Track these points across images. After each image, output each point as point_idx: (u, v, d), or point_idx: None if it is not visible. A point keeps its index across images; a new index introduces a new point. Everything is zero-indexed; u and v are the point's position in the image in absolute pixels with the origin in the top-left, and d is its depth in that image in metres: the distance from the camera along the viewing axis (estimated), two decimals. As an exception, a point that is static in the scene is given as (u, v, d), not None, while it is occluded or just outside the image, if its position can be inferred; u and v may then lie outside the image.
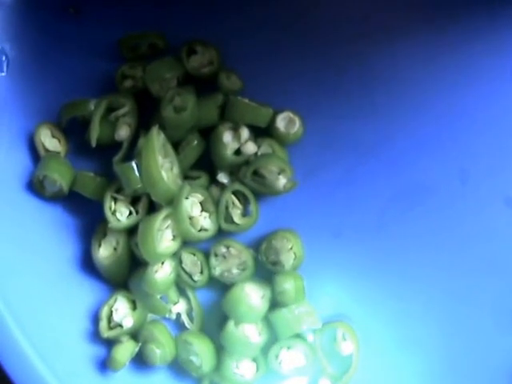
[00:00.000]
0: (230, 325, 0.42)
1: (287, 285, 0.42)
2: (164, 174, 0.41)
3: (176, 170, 0.42)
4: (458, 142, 0.44)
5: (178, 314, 0.44)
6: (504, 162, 0.44)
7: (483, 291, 0.42)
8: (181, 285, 0.44)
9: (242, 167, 0.43)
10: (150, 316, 0.43)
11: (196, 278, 0.43)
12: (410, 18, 0.44)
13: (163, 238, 0.42)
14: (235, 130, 0.43)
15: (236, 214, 0.43)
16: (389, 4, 0.44)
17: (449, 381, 0.42)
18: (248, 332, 0.42)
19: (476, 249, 0.43)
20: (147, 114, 0.44)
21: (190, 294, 0.43)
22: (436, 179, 0.44)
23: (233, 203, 0.43)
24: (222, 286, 0.43)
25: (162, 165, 0.41)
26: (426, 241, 0.43)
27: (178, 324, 0.44)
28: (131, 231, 0.43)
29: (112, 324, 0.43)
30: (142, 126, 0.44)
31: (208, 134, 0.43)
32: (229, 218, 0.43)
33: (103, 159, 0.44)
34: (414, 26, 0.44)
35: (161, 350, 0.42)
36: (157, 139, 0.41)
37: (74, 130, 0.45)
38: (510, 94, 0.44)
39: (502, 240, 0.43)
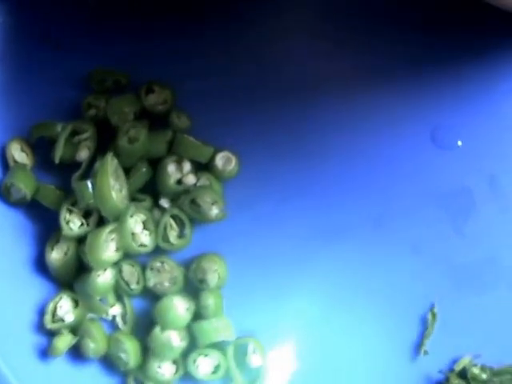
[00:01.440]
0: (157, 329, 0.48)
1: (209, 301, 0.49)
2: (114, 194, 0.48)
3: (125, 191, 0.49)
4: (376, 189, 0.51)
5: (114, 316, 0.50)
6: (414, 210, 0.50)
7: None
8: (119, 291, 0.50)
9: (181, 195, 0.50)
10: (90, 315, 0.50)
11: (132, 286, 0.50)
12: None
13: (108, 248, 0.48)
14: (179, 162, 0.49)
15: (172, 235, 0.50)
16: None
17: None
18: (171, 337, 0.48)
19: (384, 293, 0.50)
20: (105, 140, 0.50)
21: (126, 299, 0.50)
22: (352, 222, 0.50)
23: (170, 225, 0.50)
24: (154, 296, 0.50)
25: (113, 186, 0.48)
26: (337, 275, 0.50)
27: (113, 325, 0.50)
28: (81, 240, 0.49)
29: (55, 318, 0.49)
30: (100, 151, 0.50)
31: (156, 163, 0.50)
32: (166, 238, 0.50)
33: (64, 175, 0.51)
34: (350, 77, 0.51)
35: (94, 344, 0.49)
36: (110, 164, 0.48)
37: (41, 147, 0.51)
38: (428, 150, 0.51)
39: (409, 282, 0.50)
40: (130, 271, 0.49)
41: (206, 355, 0.49)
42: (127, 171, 0.49)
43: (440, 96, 0.52)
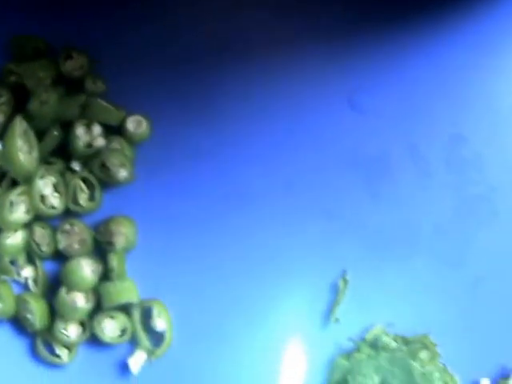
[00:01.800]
0: (62, 291, 0.49)
1: (114, 263, 0.49)
2: (21, 155, 0.48)
3: (35, 154, 0.49)
4: (290, 153, 0.50)
5: (26, 278, 0.50)
6: (328, 175, 0.50)
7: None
8: (31, 253, 0.50)
9: (92, 158, 0.50)
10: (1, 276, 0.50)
11: (43, 248, 0.50)
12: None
13: (17, 210, 0.49)
14: (89, 126, 0.50)
15: (82, 197, 0.50)
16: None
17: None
18: (76, 298, 0.48)
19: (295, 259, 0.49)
20: (23, 105, 0.51)
21: (37, 262, 0.50)
22: (264, 186, 0.50)
23: (81, 188, 0.50)
24: (66, 259, 0.50)
25: (21, 148, 0.48)
26: (247, 238, 0.49)
27: (25, 286, 0.51)
28: (-6, 202, 0.50)
29: (-33, 278, 0.50)
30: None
31: (69, 127, 0.50)
32: (76, 201, 0.50)
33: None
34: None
35: (2, 304, 0.49)
36: (19, 126, 0.48)
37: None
38: (346, 114, 0.50)
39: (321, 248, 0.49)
40: (41, 233, 0.50)
41: (112, 317, 0.49)
42: (41, 134, 0.50)
43: (359, 61, 0.51)
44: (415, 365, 0.46)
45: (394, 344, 0.48)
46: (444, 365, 0.48)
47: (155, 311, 0.49)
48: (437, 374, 0.46)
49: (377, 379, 0.46)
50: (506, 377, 0.49)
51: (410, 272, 0.49)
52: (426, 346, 0.47)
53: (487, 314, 0.49)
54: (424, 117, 0.50)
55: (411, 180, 0.50)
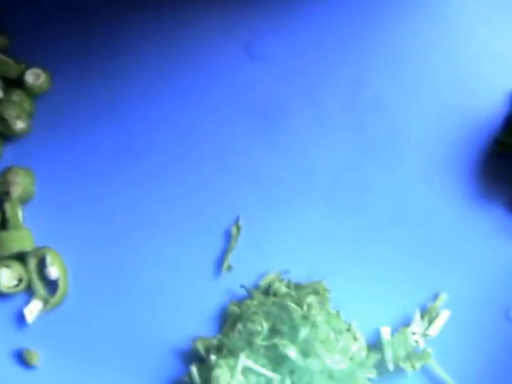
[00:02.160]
0: (-42, 241, 0.49)
1: (10, 211, 0.49)
2: None
3: None
4: (184, 101, 0.50)
5: None
6: (222, 122, 0.50)
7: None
8: None
9: (-9, 110, 0.50)
10: None
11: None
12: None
13: None
14: (-14, 78, 0.50)
15: (-18, 150, 0.50)
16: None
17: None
18: (-28, 248, 0.49)
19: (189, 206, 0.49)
20: None
21: None
22: (159, 137, 0.50)
23: (-20, 140, 0.50)
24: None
25: None
26: (144, 189, 0.49)
27: None
28: None
29: None
30: None
31: (-29, 81, 0.51)
32: (-24, 153, 0.50)
33: None
34: None
35: None
36: None
37: None
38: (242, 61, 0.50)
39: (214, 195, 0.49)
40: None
41: (7, 266, 0.49)
42: None
43: (256, 9, 0.50)
44: (295, 308, 0.44)
45: (284, 290, 0.46)
46: (337, 311, 0.46)
47: (48, 259, 0.48)
48: (320, 318, 0.44)
49: (266, 325, 0.45)
50: (406, 325, 0.47)
51: (307, 218, 0.48)
52: (316, 292, 0.46)
53: (387, 261, 0.48)
54: (322, 63, 0.50)
55: (308, 126, 0.49)
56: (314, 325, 0.44)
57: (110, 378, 0.47)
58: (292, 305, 0.44)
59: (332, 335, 0.45)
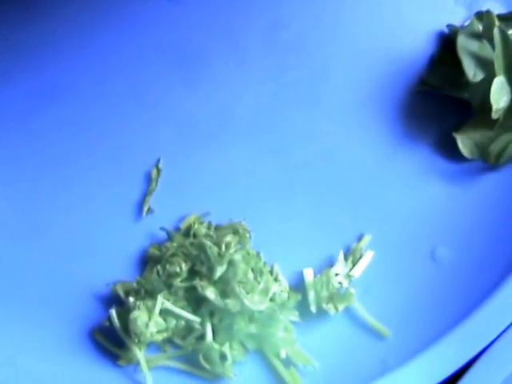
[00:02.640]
0: None
1: None
2: None
3: None
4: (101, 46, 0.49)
5: None
6: (142, 64, 0.49)
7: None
8: None
9: None
10: None
11: None
12: None
13: None
14: None
15: None
16: None
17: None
18: None
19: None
20: None
21: None
22: (76, 80, 0.49)
23: None
24: None
25: None
26: (54, 130, 0.48)
27: None
28: None
29: None
30: None
31: None
32: None
33: None
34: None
35: None
36: None
37: None
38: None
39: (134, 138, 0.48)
40: None
41: None
42: None
43: None
44: (212, 246, 0.44)
45: (204, 231, 0.46)
46: (258, 252, 0.45)
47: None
48: (238, 257, 0.44)
49: (185, 266, 0.44)
50: (330, 267, 0.46)
51: (228, 160, 0.48)
52: (236, 232, 0.45)
53: (309, 202, 0.47)
54: (242, 3, 0.48)
55: (228, 66, 0.48)
56: (231, 264, 0.44)
57: (29, 323, 0.45)
58: (209, 243, 0.43)
59: (251, 275, 0.44)
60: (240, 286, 0.43)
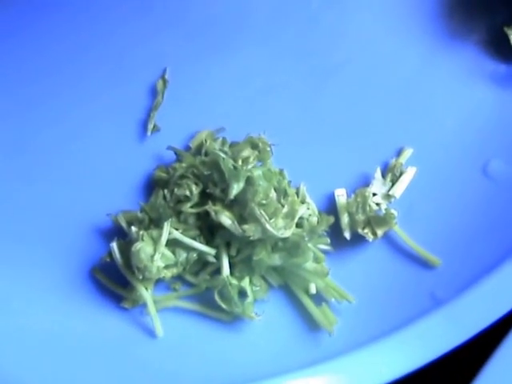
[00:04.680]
0: None
1: None
2: None
3: None
4: None
5: None
6: None
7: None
8: None
9: None
10: None
11: None
12: None
13: None
14: None
15: None
16: None
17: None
18: None
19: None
20: None
21: None
22: None
23: None
24: None
25: None
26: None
27: None
28: None
29: None
30: None
31: None
32: None
33: None
34: None
35: None
36: None
37: None
38: None
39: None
40: None
41: None
42: None
43: None
44: (227, 160, 0.38)
45: (216, 147, 0.40)
46: (281, 169, 0.40)
47: None
48: (258, 173, 0.38)
49: (196, 189, 0.39)
50: (365, 186, 0.41)
51: (243, 67, 0.44)
52: (255, 147, 0.39)
53: (339, 113, 0.43)
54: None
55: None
56: (249, 182, 0.38)
57: (22, 262, 0.41)
58: (222, 155, 0.38)
59: (274, 196, 0.38)
60: (260, 209, 0.37)
